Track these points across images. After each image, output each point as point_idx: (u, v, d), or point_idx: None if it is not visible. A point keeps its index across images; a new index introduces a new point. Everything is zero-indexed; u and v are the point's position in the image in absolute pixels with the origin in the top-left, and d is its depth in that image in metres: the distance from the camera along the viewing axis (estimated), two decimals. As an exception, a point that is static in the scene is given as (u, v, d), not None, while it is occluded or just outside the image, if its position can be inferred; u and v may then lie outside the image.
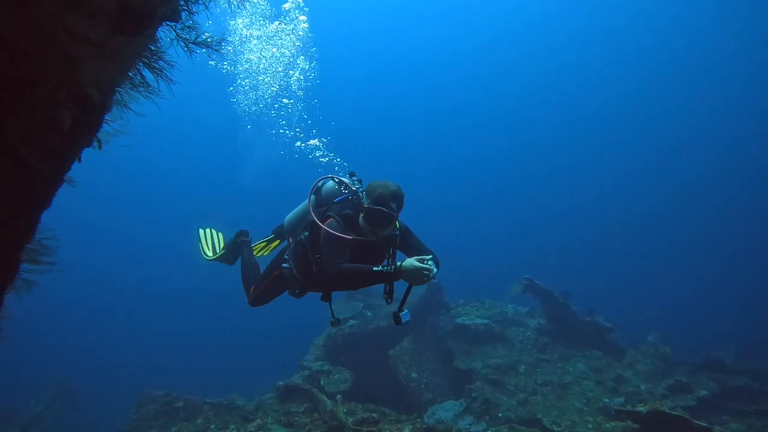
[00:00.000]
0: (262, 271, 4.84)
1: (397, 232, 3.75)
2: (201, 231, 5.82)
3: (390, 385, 10.00)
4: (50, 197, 1.69)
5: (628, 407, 7.30)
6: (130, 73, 1.69)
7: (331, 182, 4.16)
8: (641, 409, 6.41)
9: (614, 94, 43.14)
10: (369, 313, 11.64)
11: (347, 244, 3.51)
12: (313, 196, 4.12)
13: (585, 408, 9.15)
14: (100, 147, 1.84)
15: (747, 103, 38.13)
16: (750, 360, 11.65)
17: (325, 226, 3.55)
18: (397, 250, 3.84)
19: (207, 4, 1.70)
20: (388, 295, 3.60)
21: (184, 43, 1.81)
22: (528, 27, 42.33)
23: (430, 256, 3.16)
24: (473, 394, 9.44)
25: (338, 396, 8.17)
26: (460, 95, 46.08)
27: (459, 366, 10.40)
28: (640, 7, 37.47)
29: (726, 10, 33.96)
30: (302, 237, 4.01)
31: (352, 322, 11.28)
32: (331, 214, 3.69)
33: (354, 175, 4.21)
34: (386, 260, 3.79)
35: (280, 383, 8.99)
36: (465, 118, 46.43)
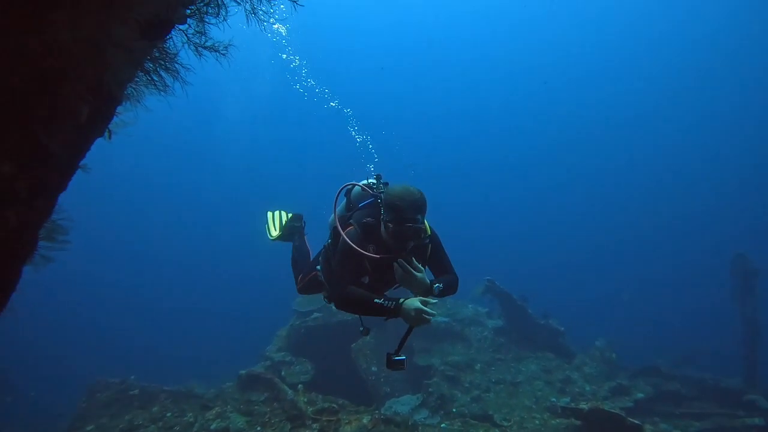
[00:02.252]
0: (311, 259, 4.60)
1: (427, 240, 3.38)
2: (269, 213, 5.55)
3: (350, 378, 10.22)
4: (67, 181, 1.85)
5: (572, 405, 7.79)
6: (153, 74, 1.86)
7: (358, 186, 3.82)
8: (583, 406, 6.90)
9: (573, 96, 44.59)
10: (333, 307, 11.81)
11: (365, 257, 3.22)
12: (345, 199, 3.86)
13: (534, 406, 9.64)
14: (110, 137, 1.99)
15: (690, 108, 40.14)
16: (684, 367, 12.52)
17: (344, 233, 3.25)
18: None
19: (221, 14, 1.87)
20: (403, 338, 3.21)
21: (195, 47, 1.98)
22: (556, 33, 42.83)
23: (435, 301, 2.98)
24: (430, 389, 9.78)
25: (299, 386, 8.33)
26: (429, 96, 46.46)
27: (418, 362, 10.73)
28: (647, 8, 38.28)
29: (729, 11, 35.03)
30: (327, 243, 3.80)
31: (316, 314, 11.45)
32: (351, 222, 3.39)
33: (381, 178, 3.85)
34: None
35: (242, 372, 9.07)
36: (439, 121, 46.93)
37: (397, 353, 3.11)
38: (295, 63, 8.89)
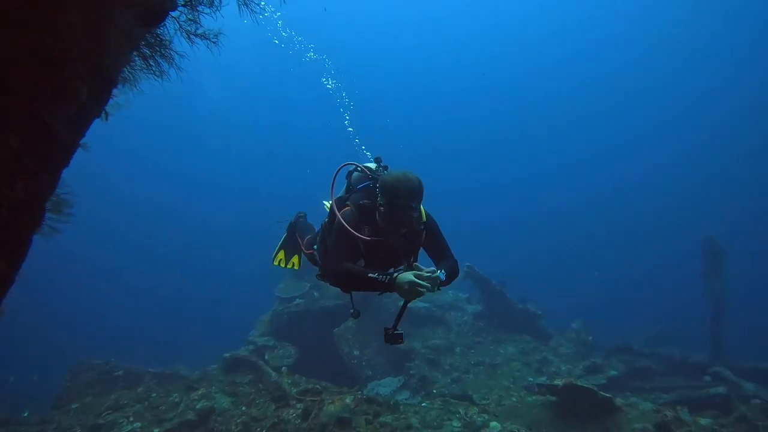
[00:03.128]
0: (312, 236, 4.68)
1: (422, 227, 3.39)
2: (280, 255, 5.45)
3: (333, 362, 10.44)
4: (69, 158, 1.98)
5: (547, 382, 8.13)
6: (149, 60, 1.98)
7: (357, 169, 3.82)
8: (558, 383, 7.22)
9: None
10: (316, 293, 11.98)
11: (359, 240, 3.24)
12: (346, 181, 3.84)
13: (512, 386, 9.98)
14: (106, 118, 2.11)
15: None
16: (655, 345, 13.07)
17: (340, 214, 3.29)
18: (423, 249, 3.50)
19: (214, 3, 1.99)
20: (399, 313, 3.31)
21: (186, 34, 2.10)
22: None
23: (431, 269, 2.97)
24: (411, 372, 10.05)
25: (283, 368, 8.51)
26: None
27: (399, 346, 10.96)
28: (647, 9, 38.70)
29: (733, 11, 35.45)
30: (323, 222, 3.85)
31: (298, 300, 11.60)
32: (348, 202, 3.42)
33: (380, 161, 3.85)
34: (402, 263, 3.48)
35: (227, 355, 9.21)
36: (422, 108, 47.00)
37: (394, 328, 3.20)
38: (311, 55, 8.68)
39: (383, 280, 2.88)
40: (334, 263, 3.18)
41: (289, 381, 7.92)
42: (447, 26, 44.72)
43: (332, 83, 7.56)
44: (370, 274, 2.93)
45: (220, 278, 29.84)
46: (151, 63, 1.99)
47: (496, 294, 12.55)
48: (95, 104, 2.13)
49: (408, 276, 2.83)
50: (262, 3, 2.05)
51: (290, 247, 5.30)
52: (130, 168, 39.69)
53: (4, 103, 1.64)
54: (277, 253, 5.32)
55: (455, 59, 46.16)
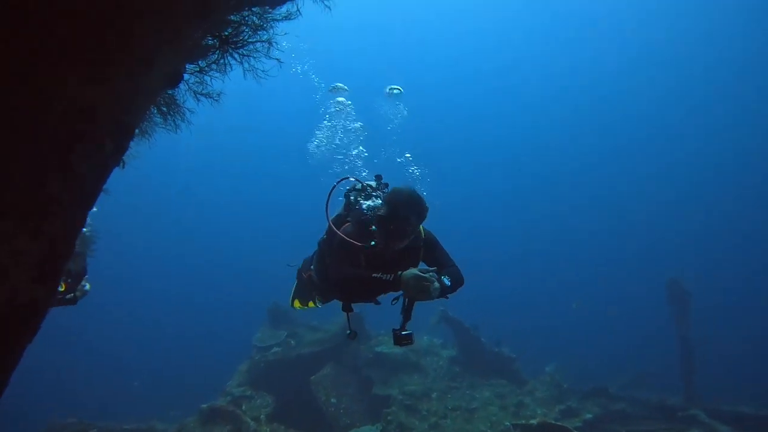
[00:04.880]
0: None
1: (421, 243, 3.41)
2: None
3: (310, 411, 10.32)
4: (94, 201, 2.28)
5: (522, 421, 8.29)
6: (167, 117, 2.32)
7: (359, 185, 3.83)
8: (533, 422, 7.41)
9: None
10: (292, 342, 11.97)
11: (361, 251, 3.26)
12: (343, 199, 3.89)
13: (489, 430, 10.04)
14: (123, 166, 2.41)
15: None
16: (631, 389, 13.34)
17: (341, 231, 3.33)
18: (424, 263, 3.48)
19: (221, 68, 2.36)
20: (406, 313, 3.25)
21: (194, 93, 2.45)
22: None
23: (433, 269, 3.01)
24: (389, 418, 10.02)
25: (261, 417, 8.44)
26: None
27: (377, 392, 10.98)
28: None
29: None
30: (321, 238, 3.87)
31: (275, 349, 11.56)
32: (349, 219, 3.51)
33: (381, 179, 3.86)
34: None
35: (204, 406, 9.06)
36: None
37: (402, 329, 3.18)
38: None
39: (388, 278, 2.92)
40: (336, 271, 3.26)
41: (268, 430, 7.86)
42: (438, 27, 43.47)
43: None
44: (374, 275, 2.97)
45: (196, 326, 28.91)
46: (168, 119, 2.33)
47: (470, 338, 12.77)
48: (117, 155, 2.45)
49: (412, 271, 2.88)
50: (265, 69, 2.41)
51: (302, 294, 5.08)
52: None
53: (47, 152, 1.95)
54: (292, 301, 5.09)
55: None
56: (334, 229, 3.36)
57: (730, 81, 38.51)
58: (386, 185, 3.79)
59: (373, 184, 3.79)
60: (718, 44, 38.11)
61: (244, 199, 43.29)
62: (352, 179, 3.87)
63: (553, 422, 7.27)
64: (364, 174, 4.54)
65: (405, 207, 3.13)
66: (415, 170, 4.95)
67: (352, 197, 3.81)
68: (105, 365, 23.11)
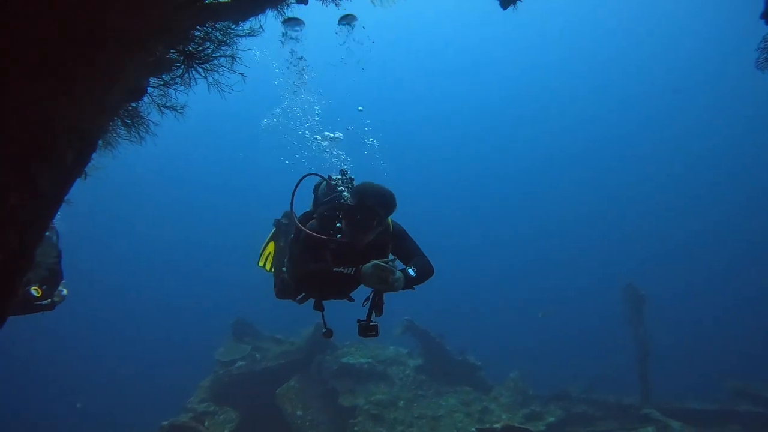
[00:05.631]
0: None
1: (389, 238, 3.39)
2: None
3: (276, 425, 10.20)
4: (54, 212, 2.26)
5: (487, 425, 8.45)
6: (131, 129, 2.33)
7: (325, 181, 3.80)
8: (497, 425, 7.57)
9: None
10: (257, 355, 11.80)
11: (326, 247, 3.23)
12: (313, 195, 3.85)
13: (455, 437, 10.18)
14: (85, 178, 2.41)
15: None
16: (591, 391, 13.74)
17: (306, 227, 3.28)
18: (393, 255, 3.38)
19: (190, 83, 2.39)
20: (377, 308, 3.24)
21: (158, 106, 2.47)
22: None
23: (394, 258, 3.04)
24: (355, 428, 10.01)
25: (225, 431, 8.29)
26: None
27: (343, 403, 10.94)
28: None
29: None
30: (289, 239, 3.78)
31: (240, 363, 11.36)
32: (315, 215, 3.47)
33: (346, 173, 3.82)
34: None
35: (165, 423, 8.81)
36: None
37: (368, 320, 3.17)
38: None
39: (349, 272, 2.95)
40: (299, 266, 3.27)
41: (231, 445, 7.73)
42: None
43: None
44: (335, 269, 3.00)
45: (156, 338, 27.99)
46: (132, 131, 2.35)
47: (435, 346, 12.91)
48: (78, 166, 2.45)
49: (372, 262, 2.86)
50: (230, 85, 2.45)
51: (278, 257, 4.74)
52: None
53: (7, 166, 1.95)
54: (265, 247, 4.68)
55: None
56: (299, 224, 3.33)
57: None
58: (351, 179, 3.73)
59: (339, 177, 3.77)
60: (701, 43, 38.87)
61: (206, 209, 42.40)
62: (317, 176, 3.83)
63: (518, 426, 7.43)
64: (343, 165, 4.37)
65: (371, 197, 3.13)
66: (373, 141, 4.92)
67: (319, 193, 3.81)
68: (50, 385, 22.10)
